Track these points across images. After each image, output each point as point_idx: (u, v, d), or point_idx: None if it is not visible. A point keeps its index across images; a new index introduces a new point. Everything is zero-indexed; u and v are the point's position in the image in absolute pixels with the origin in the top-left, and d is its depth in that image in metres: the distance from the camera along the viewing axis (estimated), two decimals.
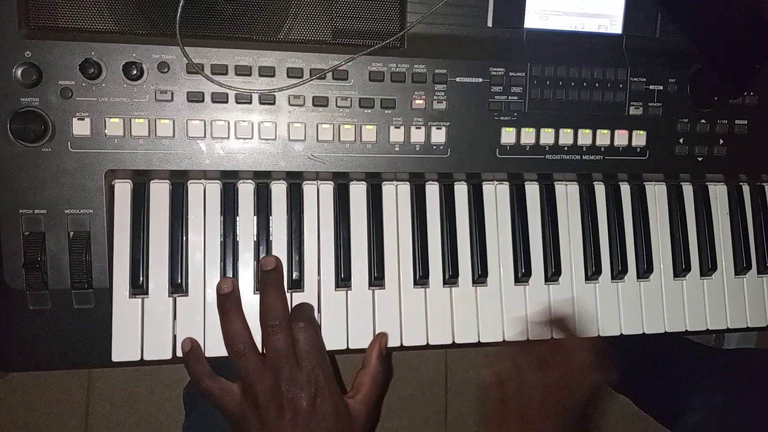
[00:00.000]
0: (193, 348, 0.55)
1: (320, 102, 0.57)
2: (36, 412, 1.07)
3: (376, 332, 0.60)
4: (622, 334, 0.66)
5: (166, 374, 1.08)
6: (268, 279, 0.55)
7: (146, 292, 0.56)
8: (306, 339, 0.54)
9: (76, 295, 0.55)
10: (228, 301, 0.55)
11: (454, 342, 0.62)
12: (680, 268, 0.68)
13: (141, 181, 0.57)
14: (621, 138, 0.64)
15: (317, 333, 0.55)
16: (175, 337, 0.57)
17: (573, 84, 0.62)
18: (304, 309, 0.57)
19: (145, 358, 0.56)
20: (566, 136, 0.63)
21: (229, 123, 0.56)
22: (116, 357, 0.55)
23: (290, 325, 0.54)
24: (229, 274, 0.57)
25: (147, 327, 0.56)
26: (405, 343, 0.61)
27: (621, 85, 0.63)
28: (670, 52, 0.65)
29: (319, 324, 0.58)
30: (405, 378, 1.18)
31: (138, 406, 1.09)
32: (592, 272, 0.65)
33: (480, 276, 0.62)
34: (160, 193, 0.57)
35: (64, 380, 1.08)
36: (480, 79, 0.60)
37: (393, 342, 0.61)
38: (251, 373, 0.53)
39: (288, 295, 0.59)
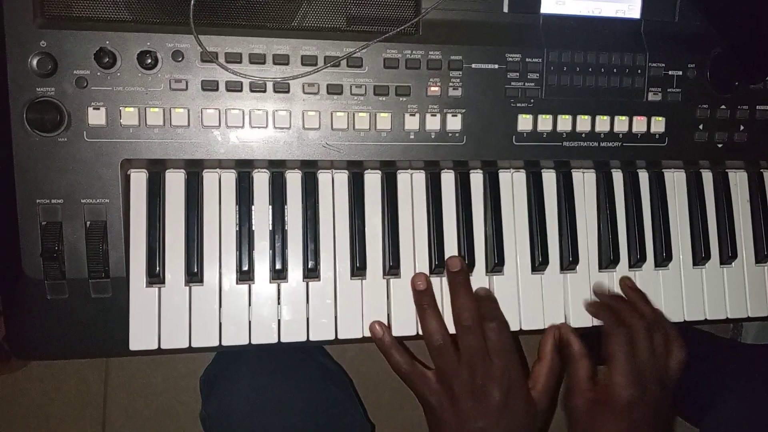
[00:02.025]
0: (385, 335, 0.58)
1: (335, 90, 0.56)
2: (55, 402, 1.09)
3: (392, 320, 0.60)
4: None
5: (183, 364, 1.09)
6: (456, 280, 0.58)
7: (163, 282, 0.56)
8: (498, 337, 0.56)
9: (93, 285, 0.55)
10: (424, 298, 0.58)
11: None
12: (700, 257, 0.67)
13: (156, 170, 0.57)
14: (639, 125, 0.63)
15: (508, 331, 0.58)
16: (191, 326, 0.57)
17: (590, 70, 0.61)
18: (494, 307, 0.59)
19: (163, 347, 0.56)
20: (584, 123, 0.62)
21: (243, 112, 0.55)
22: (134, 346, 0.56)
23: (482, 324, 0.57)
24: (245, 262, 0.57)
25: (164, 316, 0.56)
26: (422, 332, 0.61)
27: (639, 71, 0.62)
28: (690, 37, 0.63)
29: (506, 322, 0.59)
30: None
31: (155, 396, 1.10)
32: (610, 261, 0.65)
33: (496, 265, 0.62)
34: (175, 182, 0.57)
35: (82, 371, 1.09)
36: (496, 66, 0.59)
37: (408, 331, 0.61)
38: (448, 367, 0.56)
39: (303, 284, 0.59)
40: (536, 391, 0.58)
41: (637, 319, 0.60)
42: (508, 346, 0.57)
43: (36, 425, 1.08)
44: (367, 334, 0.60)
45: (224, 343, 0.57)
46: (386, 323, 0.60)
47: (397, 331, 0.60)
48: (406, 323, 0.61)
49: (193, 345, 0.57)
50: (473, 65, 0.59)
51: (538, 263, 0.63)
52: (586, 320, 0.64)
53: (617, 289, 0.65)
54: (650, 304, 0.64)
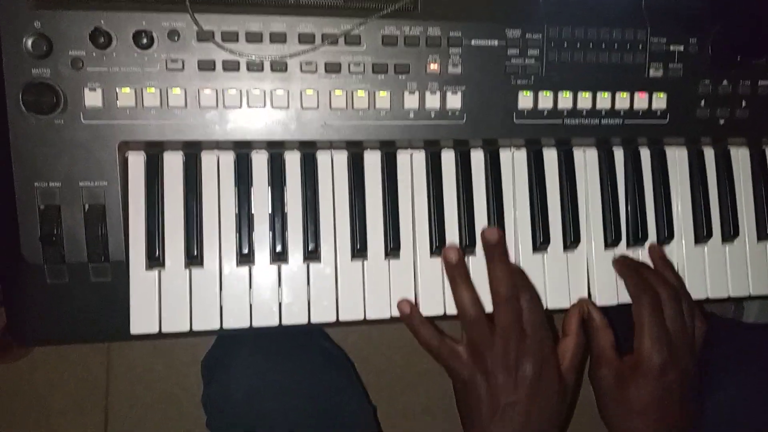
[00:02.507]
0: (413, 311, 0.58)
1: (333, 68, 0.56)
2: (57, 390, 1.09)
3: (393, 302, 0.60)
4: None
5: (184, 351, 1.09)
6: (494, 252, 0.57)
7: (162, 265, 0.56)
8: (532, 312, 0.56)
9: (93, 269, 0.54)
10: (457, 270, 0.58)
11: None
12: (701, 234, 0.67)
13: (154, 152, 0.56)
14: (641, 101, 0.62)
15: (540, 305, 0.58)
16: (192, 309, 0.56)
17: (591, 45, 0.60)
18: (526, 279, 0.59)
19: (164, 330, 0.56)
20: (585, 100, 0.61)
21: (241, 91, 0.55)
22: (135, 329, 0.55)
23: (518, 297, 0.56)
24: (245, 245, 0.57)
25: (164, 299, 0.56)
26: (422, 313, 0.60)
27: (641, 46, 0.62)
28: (692, 11, 0.62)
29: (538, 295, 0.59)
30: (423, 353, 1.18)
31: (157, 383, 1.10)
32: (612, 240, 0.64)
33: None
34: (173, 164, 0.57)
35: (84, 358, 1.09)
36: (496, 42, 0.58)
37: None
38: (482, 340, 0.56)
39: (304, 266, 0.59)
40: (564, 367, 0.58)
41: (664, 285, 0.60)
42: (542, 320, 0.57)
43: (39, 413, 1.08)
44: (370, 315, 0.60)
45: (225, 326, 0.57)
46: (388, 304, 0.60)
47: (397, 312, 0.60)
48: None
49: (194, 328, 0.56)
50: (473, 42, 0.58)
51: (540, 243, 0.63)
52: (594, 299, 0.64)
53: None
54: (676, 273, 0.64)
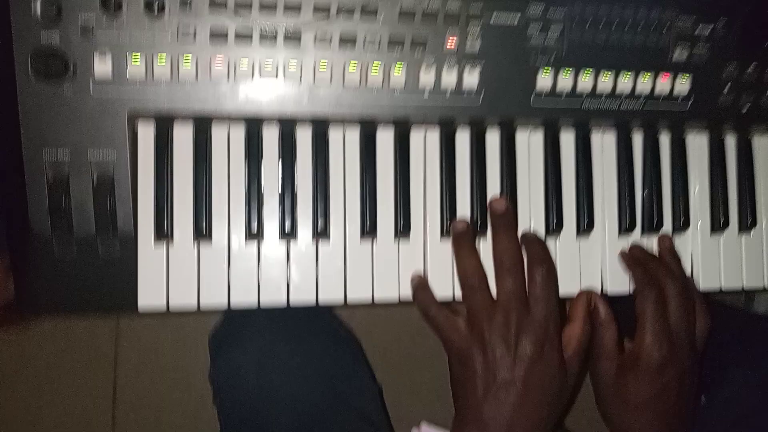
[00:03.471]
0: (420, 279, 0.57)
1: (347, 41, 0.54)
2: (66, 361, 1.09)
3: (401, 284, 0.59)
4: None
5: (192, 325, 1.09)
6: (500, 222, 0.56)
7: (171, 239, 0.55)
8: (543, 284, 0.54)
9: (101, 241, 0.54)
10: (463, 237, 0.57)
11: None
12: (718, 224, 0.65)
13: (164, 123, 0.55)
14: (663, 85, 0.61)
15: (554, 280, 0.56)
16: (199, 285, 0.56)
17: (615, 24, 0.58)
18: (543, 250, 0.57)
19: (171, 306, 0.55)
20: (605, 82, 0.59)
21: (253, 62, 0.53)
22: (142, 304, 0.55)
23: (529, 268, 0.55)
24: (254, 221, 0.56)
25: (173, 274, 0.55)
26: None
27: (666, 27, 0.60)
28: None
29: (554, 269, 0.57)
30: (430, 333, 1.18)
31: (165, 356, 1.11)
32: (626, 226, 0.63)
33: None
34: (183, 136, 0.56)
35: (92, 330, 1.09)
36: (516, 18, 0.57)
37: None
38: (481, 310, 0.54)
39: (313, 245, 0.58)
40: (567, 354, 0.56)
41: (670, 280, 0.58)
42: (551, 296, 0.55)
43: (49, 382, 1.09)
44: (378, 296, 0.59)
45: (233, 303, 0.56)
46: (397, 285, 0.59)
47: (407, 295, 0.59)
48: None
49: (202, 305, 0.56)
50: (493, 18, 0.56)
51: (553, 227, 0.62)
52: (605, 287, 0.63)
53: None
54: (682, 267, 0.62)
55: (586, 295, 0.60)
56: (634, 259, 0.61)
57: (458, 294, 0.59)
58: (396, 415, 0.93)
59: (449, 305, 0.58)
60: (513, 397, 0.52)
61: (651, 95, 0.61)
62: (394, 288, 0.59)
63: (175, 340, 1.11)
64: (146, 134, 0.55)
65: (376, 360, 0.91)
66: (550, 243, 0.62)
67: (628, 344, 0.59)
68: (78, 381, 1.10)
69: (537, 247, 0.57)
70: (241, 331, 0.67)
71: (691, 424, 0.59)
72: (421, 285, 0.58)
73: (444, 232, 0.60)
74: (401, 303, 0.59)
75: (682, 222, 0.64)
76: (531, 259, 0.56)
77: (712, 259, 0.66)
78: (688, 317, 0.58)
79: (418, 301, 0.57)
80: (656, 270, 0.59)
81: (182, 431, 1.12)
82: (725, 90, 0.62)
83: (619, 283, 0.63)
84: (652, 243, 0.64)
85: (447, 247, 0.60)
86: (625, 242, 0.64)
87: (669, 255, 0.63)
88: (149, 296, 0.55)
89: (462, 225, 0.57)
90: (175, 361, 1.11)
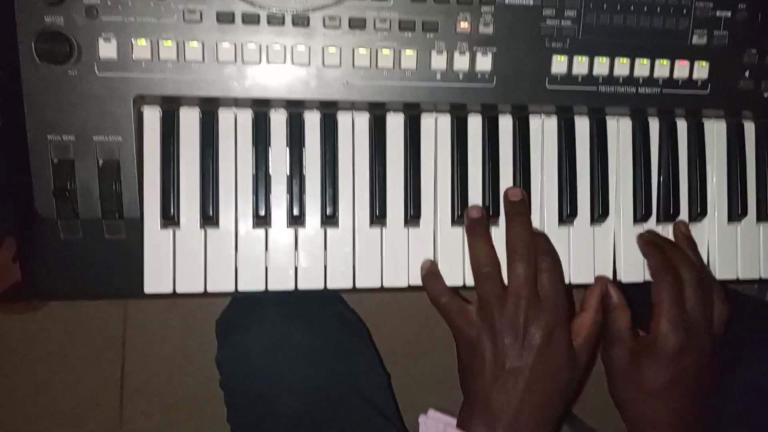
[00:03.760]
0: (431, 266, 0.57)
1: (357, 24, 0.53)
2: (75, 341, 1.10)
3: (410, 271, 0.58)
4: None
5: (200, 308, 1.09)
6: (515, 210, 0.56)
7: (177, 224, 0.55)
8: (549, 273, 0.54)
9: (107, 225, 0.53)
10: (477, 225, 0.56)
11: None
12: (736, 212, 0.64)
13: (170, 107, 0.54)
14: (681, 70, 0.59)
15: (560, 271, 0.56)
16: (206, 270, 0.55)
17: (632, 8, 0.57)
18: (548, 244, 0.57)
19: (177, 290, 0.55)
20: (622, 67, 0.58)
21: (260, 46, 0.52)
22: (148, 288, 0.54)
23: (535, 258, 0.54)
24: (262, 207, 0.55)
25: (179, 259, 0.55)
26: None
27: (685, 11, 0.58)
28: None
29: (560, 262, 0.57)
30: (438, 321, 1.17)
31: (172, 339, 1.11)
32: (642, 214, 0.62)
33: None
34: (190, 120, 0.55)
35: (101, 312, 1.10)
36: (531, 1, 0.55)
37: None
38: (493, 298, 0.54)
39: (321, 231, 0.57)
40: (577, 343, 0.55)
41: (686, 266, 0.57)
42: (559, 286, 0.55)
43: (57, 365, 1.10)
44: (387, 284, 0.58)
45: (240, 288, 0.56)
46: (407, 272, 0.58)
47: (416, 282, 0.59)
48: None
49: (209, 289, 0.55)
50: (507, 0, 0.55)
51: (566, 215, 0.60)
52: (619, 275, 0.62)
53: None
54: (699, 253, 0.61)
55: (601, 284, 0.59)
56: (650, 244, 0.60)
57: (469, 281, 0.58)
58: (404, 402, 0.93)
59: (458, 292, 0.58)
60: (521, 384, 0.52)
61: (669, 80, 0.59)
62: (404, 275, 0.58)
63: (182, 325, 1.11)
64: (152, 118, 0.54)
65: (384, 347, 0.91)
66: (563, 231, 0.61)
67: (642, 332, 0.58)
68: (86, 364, 1.10)
69: (542, 239, 0.57)
70: (248, 316, 0.67)
71: (708, 411, 0.58)
72: (431, 272, 0.57)
73: (455, 219, 0.59)
74: (411, 289, 0.59)
75: (699, 210, 0.63)
76: (538, 250, 0.55)
77: (728, 248, 0.65)
78: (704, 303, 0.57)
79: (428, 288, 0.57)
80: (673, 255, 0.58)
81: (190, 415, 1.13)
82: (746, 75, 0.60)
83: (633, 271, 0.62)
84: (668, 232, 0.63)
85: (458, 234, 0.59)
86: (641, 230, 0.62)
87: (685, 241, 0.62)
88: (156, 280, 0.55)
89: (476, 212, 0.57)
90: (182, 345, 1.11)
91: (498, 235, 0.58)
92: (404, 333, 1.15)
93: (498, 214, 0.59)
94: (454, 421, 0.55)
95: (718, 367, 0.59)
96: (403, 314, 1.15)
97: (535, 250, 0.55)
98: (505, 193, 0.57)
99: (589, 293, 0.58)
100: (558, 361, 0.53)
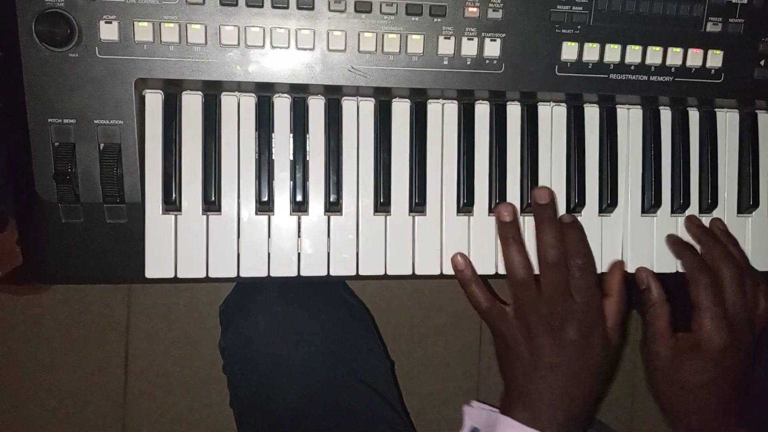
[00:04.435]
0: (467, 268, 0.57)
1: (363, 7, 0.52)
2: (80, 324, 1.10)
3: (415, 258, 0.57)
4: (678, 271, 0.62)
5: (204, 292, 1.10)
6: (544, 214, 0.55)
7: (179, 209, 0.54)
8: (582, 275, 0.54)
9: (108, 209, 0.53)
10: (510, 230, 0.56)
11: (497, 272, 0.59)
12: (747, 204, 0.63)
13: (173, 91, 0.53)
14: (695, 58, 0.58)
15: (593, 268, 0.56)
16: (208, 255, 0.55)
17: None
18: (581, 244, 0.56)
19: (179, 275, 0.55)
20: (634, 54, 0.57)
21: (264, 30, 0.51)
22: (150, 273, 0.54)
23: (567, 259, 0.54)
24: (265, 192, 0.55)
25: (180, 244, 0.54)
26: (445, 272, 0.58)
27: None
28: None
29: (592, 258, 0.56)
30: (442, 307, 1.17)
31: (177, 322, 1.11)
32: (651, 205, 0.61)
33: (529, 205, 0.58)
34: (192, 105, 0.54)
35: (106, 295, 1.10)
36: None
37: (432, 270, 0.58)
38: (528, 301, 0.54)
39: (325, 218, 0.56)
40: (608, 328, 0.56)
41: (725, 263, 0.56)
42: (592, 284, 0.55)
43: (62, 345, 1.11)
44: (391, 271, 0.58)
45: (242, 274, 0.55)
46: (411, 261, 0.58)
47: (421, 270, 0.58)
48: (430, 263, 0.58)
49: (211, 275, 0.55)
50: None
51: (575, 204, 0.59)
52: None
53: (657, 237, 0.62)
54: (740, 248, 0.60)
55: (620, 267, 0.59)
56: (678, 244, 0.60)
57: (480, 270, 0.58)
58: (408, 386, 0.93)
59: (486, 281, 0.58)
60: (559, 378, 0.53)
61: (682, 68, 0.58)
62: (408, 262, 0.58)
63: (187, 309, 1.11)
64: (154, 102, 0.53)
65: (388, 332, 0.91)
66: None
67: (685, 333, 0.58)
68: (90, 346, 1.11)
69: (575, 236, 0.55)
70: (252, 301, 0.67)
71: (747, 403, 0.58)
72: (470, 279, 0.57)
73: (460, 208, 0.58)
74: (415, 277, 0.58)
75: (710, 202, 0.62)
76: (570, 250, 0.55)
77: (738, 239, 0.63)
78: (745, 300, 0.56)
79: (469, 295, 0.57)
80: (713, 250, 0.58)
81: (193, 399, 1.13)
82: (762, 64, 0.59)
83: (642, 261, 0.61)
84: (676, 223, 0.62)
85: (463, 223, 0.58)
86: (649, 221, 0.61)
87: (724, 237, 0.61)
88: (157, 265, 0.54)
89: (508, 215, 0.55)
90: (186, 329, 1.12)
91: (530, 222, 0.57)
92: (408, 317, 1.15)
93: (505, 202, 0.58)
94: (496, 410, 0.56)
95: (757, 358, 0.58)
96: (408, 299, 1.15)
97: (570, 248, 0.55)
98: (533, 194, 0.56)
99: (610, 278, 0.58)
100: (593, 354, 0.54)
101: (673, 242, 0.60)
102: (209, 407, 1.12)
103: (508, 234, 0.55)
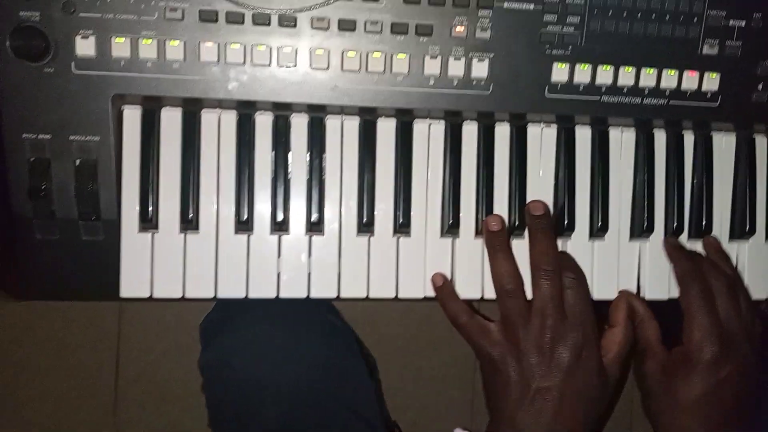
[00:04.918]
0: (445, 284, 0.56)
1: (347, 26, 0.51)
2: (69, 335, 1.09)
3: (400, 282, 0.56)
4: (671, 299, 0.60)
5: (195, 305, 1.08)
6: (539, 225, 0.54)
7: (156, 227, 0.53)
8: (575, 291, 0.53)
9: (83, 226, 0.52)
10: (497, 239, 0.54)
11: (483, 296, 0.57)
12: (742, 230, 0.61)
13: (151, 107, 0.52)
14: (690, 81, 0.56)
15: (586, 286, 0.55)
16: (185, 275, 0.54)
17: (640, 15, 0.54)
18: (571, 259, 0.55)
19: (155, 295, 0.54)
20: (627, 76, 0.55)
21: (245, 47, 0.50)
22: (124, 293, 0.53)
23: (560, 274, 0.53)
24: (245, 211, 0.54)
25: (157, 263, 0.53)
26: (428, 294, 0.57)
27: (696, 19, 0.55)
28: None
29: (585, 279, 0.55)
30: (437, 320, 1.15)
31: (167, 332, 1.10)
32: (643, 230, 0.59)
33: (517, 227, 0.57)
34: (171, 121, 0.53)
35: (96, 307, 1.09)
36: (531, 5, 0.52)
37: (417, 293, 0.57)
38: (516, 315, 0.52)
39: (306, 238, 0.55)
40: (607, 359, 0.53)
41: (716, 275, 0.55)
42: (585, 303, 0.53)
43: (53, 351, 1.10)
44: (373, 294, 0.56)
45: (220, 295, 0.54)
46: (394, 283, 0.56)
47: (404, 293, 0.57)
48: (416, 285, 0.57)
49: (187, 295, 0.54)
50: (505, 4, 0.52)
51: (564, 228, 0.58)
52: (610, 293, 0.59)
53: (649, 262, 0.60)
54: (732, 264, 0.59)
55: (626, 298, 0.57)
56: (678, 249, 0.58)
57: (464, 294, 0.57)
58: (398, 402, 0.91)
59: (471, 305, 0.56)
60: (550, 404, 0.51)
61: (677, 91, 0.56)
62: (391, 285, 0.57)
63: (178, 319, 1.10)
64: (132, 118, 0.52)
65: (380, 347, 0.90)
66: (561, 244, 0.58)
67: (676, 348, 0.56)
68: (81, 353, 1.10)
69: (565, 256, 0.55)
70: (232, 320, 0.66)
71: (750, 422, 0.55)
72: (447, 292, 0.55)
73: (445, 231, 0.57)
74: (398, 300, 0.57)
75: (703, 227, 0.60)
76: (562, 267, 0.53)
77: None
78: (739, 310, 0.55)
79: (446, 309, 0.55)
80: (703, 264, 0.56)
81: (186, 410, 1.12)
82: (759, 87, 0.57)
83: (634, 286, 0.60)
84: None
85: (447, 245, 0.57)
86: (641, 245, 0.60)
87: (716, 254, 0.59)
88: (132, 283, 0.53)
89: (496, 224, 0.54)
90: (177, 338, 1.10)
91: (518, 246, 0.56)
92: (400, 331, 1.13)
93: None
94: None
95: (760, 381, 0.56)
96: (398, 314, 1.13)
97: (562, 264, 0.54)
98: (527, 207, 0.55)
99: (615, 308, 0.56)
100: (587, 379, 0.52)
101: (672, 246, 0.59)
102: (200, 415, 1.11)
103: (496, 244, 0.54)
